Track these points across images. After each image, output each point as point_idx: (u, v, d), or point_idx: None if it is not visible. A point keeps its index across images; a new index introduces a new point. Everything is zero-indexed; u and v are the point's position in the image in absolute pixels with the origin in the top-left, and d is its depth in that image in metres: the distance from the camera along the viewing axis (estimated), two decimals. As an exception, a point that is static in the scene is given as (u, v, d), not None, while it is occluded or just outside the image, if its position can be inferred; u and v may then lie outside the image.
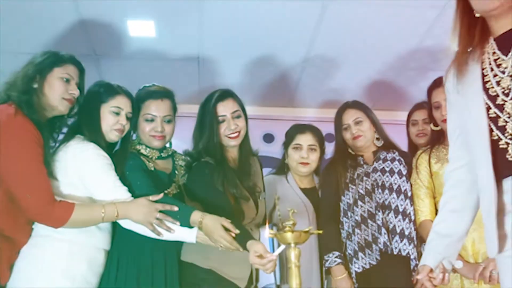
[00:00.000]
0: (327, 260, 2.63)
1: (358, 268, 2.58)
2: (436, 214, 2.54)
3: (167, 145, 2.56)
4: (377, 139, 2.82)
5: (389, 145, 2.83)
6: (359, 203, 2.66)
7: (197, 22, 3.32)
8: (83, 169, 2.14)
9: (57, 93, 2.20)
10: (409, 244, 2.56)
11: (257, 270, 2.36)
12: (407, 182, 2.69)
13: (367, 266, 2.57)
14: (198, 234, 2.10)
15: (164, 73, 3.79)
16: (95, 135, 2.24)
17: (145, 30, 3.40)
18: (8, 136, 2.02)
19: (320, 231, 2.12)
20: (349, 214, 2.68)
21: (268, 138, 4.52)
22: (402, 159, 2.75)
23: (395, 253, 2.56)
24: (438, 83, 2.64)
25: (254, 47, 3.62)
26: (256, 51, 3.68)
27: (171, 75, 3.81)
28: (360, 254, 2.59)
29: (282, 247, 1.85)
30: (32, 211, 2.02)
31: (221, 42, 3.58)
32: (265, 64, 3.82)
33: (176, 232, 2.13)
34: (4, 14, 3.15)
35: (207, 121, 2.41)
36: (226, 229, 2.03)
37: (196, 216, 2.07)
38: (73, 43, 3.46)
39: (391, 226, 2.60)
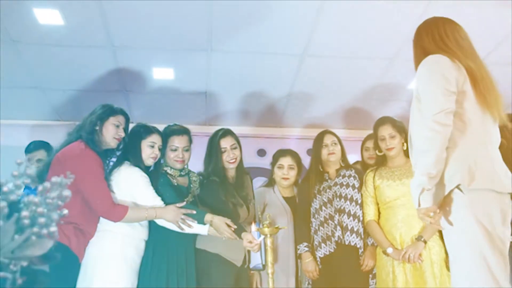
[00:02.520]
0: (298, 249, 3.46)
1: (321, 254, 3.38)
2: (379, 216, 3.48)
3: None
4: (342, 160, 3.68)
5: (348, 165, 3.68)
6: (323, 208, 3.47)
7: (206, 67, 4.30)
8: (132, 185, 3.05)
9: (111, 134, 3.12)
10: (357, 237, 3.36)
11: (248, 253, 3.23)
12: (358, 193, 3.47)
13: (327, 253, 3.36)
14: (209, 229, 3.02)
15: (179, 104, 4.80)
16: (138, 162, 3.15)
17: (166, 74, 4.38)
18: (82, 163, 2.94)
19: (285, 227, 3.08)
20: (316, 216, 3.48)
21: (261, 152, 5.42)
22: (356, 176, 3.54)
23: (346, 243, 3.35)
24: (383, 122, 3.49)
25: (249, 85, 4.62)
26: (251, 87, 4.68)
27: (184, 106, 4.82)
28: (322, 244, 3.39)
29: (263, 236, 2.86)
30: (101, 210, 2.93)
31: (224, 81, 4.56)
32: (258, 97, 4.82)
33: (194, 228, 3.02)
34: (57, 61, 4.15)
35: (213, 151, 3.33)
36: (228, 226, 2.96)
37: (208, 217, 3.01)
38: (109, 82, 4.47)
39: (344, 224, 3.38)
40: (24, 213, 1.01)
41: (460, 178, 2.08)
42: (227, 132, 3.41)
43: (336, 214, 3.44)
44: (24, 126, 5.07)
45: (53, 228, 1.05)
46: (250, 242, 2.93)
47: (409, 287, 3.09)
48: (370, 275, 3.43)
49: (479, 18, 3.66)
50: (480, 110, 2.19)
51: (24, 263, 1.00)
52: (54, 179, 1.10)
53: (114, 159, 3.26)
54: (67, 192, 1.11)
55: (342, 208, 3.45)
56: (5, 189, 1.05)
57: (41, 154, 4.03)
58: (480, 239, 2.03)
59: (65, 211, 1.12)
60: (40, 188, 1.09)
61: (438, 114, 2.09)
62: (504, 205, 2.10)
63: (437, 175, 2.09)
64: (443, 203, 2.15)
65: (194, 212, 3.03)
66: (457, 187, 2.10)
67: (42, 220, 1.02)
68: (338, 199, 3.48)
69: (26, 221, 1.01)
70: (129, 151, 3.20)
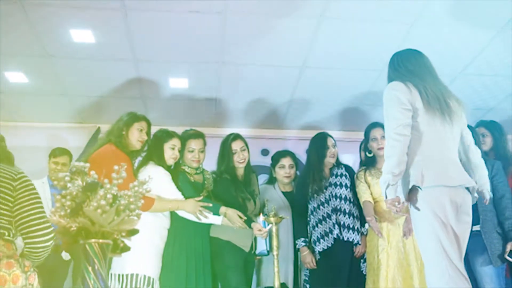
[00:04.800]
0: (297, 243, 3.85)
1: (320, 249, 3.74)
2: (372, 199, 3.77)
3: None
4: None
5: (339, 163, 4.08)
6: (321, 207, 3.84)
7: (217, 77, 4.81)
8: (156, 181, 3.33)
9: (135, 138, 3.59)
10: (353, 233, 3.75)
11: (255, 240, 3.64)
12: (351, 191, 3.86)
13: (325, 248, 3.73)
14: (222, 219, 3.48)
15: (192, 109, 5.32)
16: (161, 162, 3.61)
17: (181, 84, 4.90)
18: (114, 162, 3.03)
19: (287, 217, 3.57)
20: (314, 213, 3.85)
21: (265, 152, 5.83)
22: (347, 174, 3.94)
23: (345, 240, 3.72)
24: (375, 125, 3.90)
25: (255, 92, 5.13)
26: (256, 95, 5.19)
27: (197, 111, 5.34)
28: (321, 240, 3.76)
29: (270, 225, 3.39)
30: None
31: (232, 89, 5.07)
32: (262, 103, 5.33)
33: (209, 218, 3.47)
34: (85, 72, 4.67)
35: (225, 153, 3.79)
36: (240, 217, 3.44)
37: (223, 209, 3.48)
38: (129, 90, 4.99)
39: (342, 222, 3.76)
40: (123, 202, 1.55)
41: (415, 180, 2.64)
42: (237, 136, 3.88)
43: (333, 213, 3.82)
44: (50, 128, 5.61)
45: (139, 212, 1.58)
46: (260, 230, 3.45)
47: (391, 269, 3.54)
48: (361, 260, 3.82)
49: (456, 36, 4.20)
50: (432, 121, 2.72)
51: (123, 233, 1.54)
52: (140, 179, 1.64)
53: (139, 159, 3.75)
54: (148, 188, 1.64)
55: (339, 207, 3.84)
56: (108, 185, 1.58)
57: (65, 159, 4.59)
58: (436, 226, 2.56)
59: (142, 201, 1.65)
60: (131, 185, 1.62)
61: (398, 127, 2.66)
62: (456, 197, 2.62)
63: (399, 174, 2.63)
64: (409, 200, 2.70)
65: (210, 205, 3.50)
66: (415, 186, 2.64)
67: (132, 207, 1.56)
68: (334, 199, 3.86)
69: (122, 207, 1.54)
70: (153, 152, 3.68)
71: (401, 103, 2.70)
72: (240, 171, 3.86)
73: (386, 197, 2.65)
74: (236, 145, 3.83)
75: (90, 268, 1.58)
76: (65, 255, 3.73)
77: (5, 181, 2.25)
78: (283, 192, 4.18)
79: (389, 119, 2.73)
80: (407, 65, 2.90)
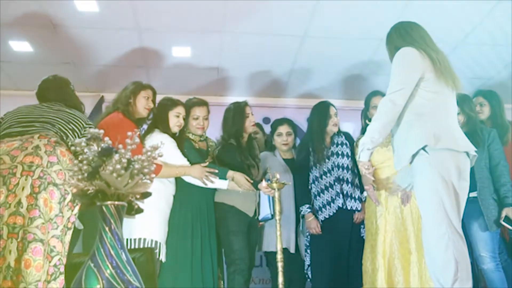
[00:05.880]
0: (301, 210, 3.89)
1: (323, 217, 3.81)
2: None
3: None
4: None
5: (339, 131, 4.07)
6: (323, 177, 3.87)
7: (219, 46, 4.86)
8: (164, 149, 3.49)
9: (142, 105, 3.67)
10: (356, 202, 3.81)
11: (258, 205, 3.73)
12: (352, 160, 3.89)
13: (327, 216, 3.80)
14: (228, 184, 3.58)
15: (194, 78, 5.37)
16: (166, 129, 3.68)
17: (184, 52, 4.95)
18: (122, 129, 3.20)
19: (289, 183, 3.64)
20: (316, 183, 3.89)
21: (266, 120, 5.86)
22: (347, 142, 3.97)
23: (348, 209, 3.78)
24: (376, 93, 4.00)
25: (257, 61, 5.17)
26: (258, 63, 5.23)
27: (198, 79, 5.39)
28: (323, 209, 3.82)
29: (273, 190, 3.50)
30: None
31: (234, 58, 5.10)
32: (264, 72, 5.39)
33: (215, 183, 3.57)
34: (89, 41, 4.72)
35: (237, 116, 3.84)
36: (247, 180, 3.54)
37: (230, 173, 3.57)
38: (133, 58, 5.03)
39: (345, 191, 3.81)
40: (137, 166, 1.65)
41: (427, 141, 2.67)
42: (247, 103, 3.98)
43: (336, 183, 3.87)
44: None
45: (152, 175, 1.69)
46: (267, 188, 3.53)
47: (389, 233, 3.64)
48: (362, 225, 3.90)
49: (455, 6, 4.24)
50: (441, 87, 2.78)
51: (138, 196, 1.65)
52: (152, 144, 1.74)
53: (145, 127, 3.84)
54: (160, 153, 1.74)
55: (341, 177, 3.89)
56: (122, 151, 1.68)
57: None
58: (440, 188, 2.64)
59: (154, 165, 1.75)
60: (144, 150, 1.72)
61: (394, 93, 2.71)
62: (459, 162, 2.70)
63: (379, 139, 2.72)
64: (414, 162, 2.76)
65: (216, 170, 3.60)
66: (423, 148, 2.69)
67: (146, 170, 1.66)
68: (337, 168, 3.91)
69: (136, 171, 1.64)
70: (158, 120, 3.75)
71: (408, 71, 2.75)
72: (244, 137, 3.92)
73: (359, 157, 2.75)
74: (248, 109, 3.92)
75: (107, 228, 1.71)
76: (78, 224, 3.86)
77: (79, 126, 3.02)
78: (283, 159, 4.26)
79: (390, 83, 2.77)
80: (420, 32, 2.94)
